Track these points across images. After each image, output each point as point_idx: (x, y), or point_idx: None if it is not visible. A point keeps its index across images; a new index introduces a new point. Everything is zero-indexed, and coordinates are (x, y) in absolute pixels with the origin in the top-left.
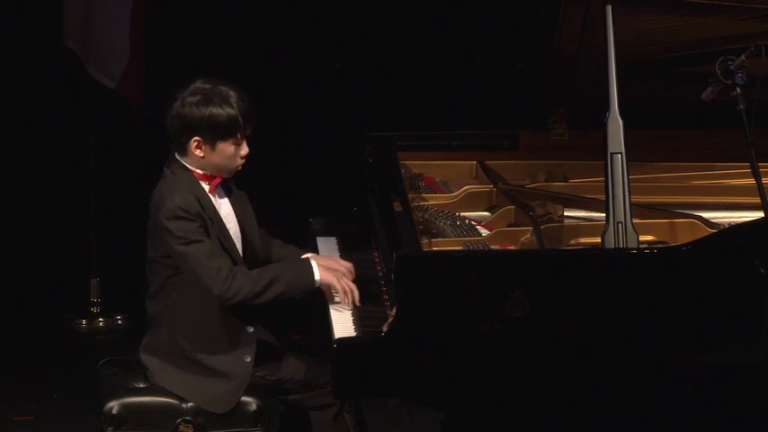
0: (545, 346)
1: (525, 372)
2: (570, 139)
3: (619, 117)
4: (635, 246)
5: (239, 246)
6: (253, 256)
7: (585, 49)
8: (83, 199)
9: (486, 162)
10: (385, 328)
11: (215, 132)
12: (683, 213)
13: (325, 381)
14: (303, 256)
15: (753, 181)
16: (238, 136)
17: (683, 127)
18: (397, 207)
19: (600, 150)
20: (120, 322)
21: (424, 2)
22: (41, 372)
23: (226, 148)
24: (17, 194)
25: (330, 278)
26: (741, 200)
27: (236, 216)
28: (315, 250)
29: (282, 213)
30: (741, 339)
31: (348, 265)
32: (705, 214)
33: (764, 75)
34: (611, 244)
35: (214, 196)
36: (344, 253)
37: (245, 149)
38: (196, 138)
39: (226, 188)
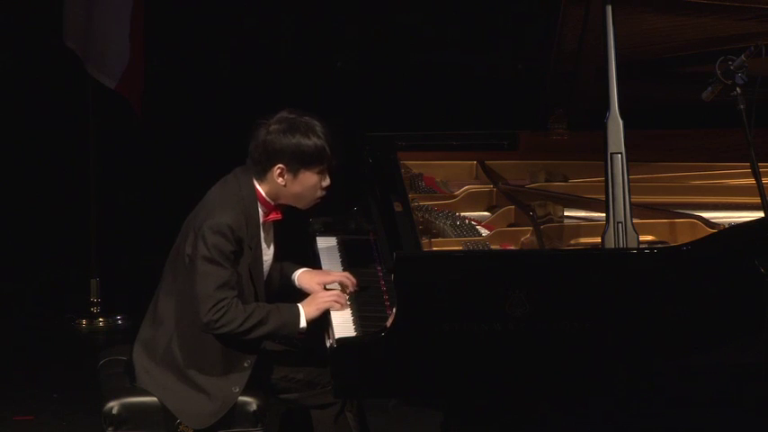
0: (545, 346)
1: (525, 372)
2: (570, 139)
3: (619, 117)
4: (635, 246)
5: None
6: (270, 287)
7: (585, 49)
8: (83, 199)
9: (486, 162)
10: (385, 327)
11: (300, 160)
12: (683, 213)
13: (326, 380)
14: (295, 273)
15: (753, 181)
16: (323, 165)
17: (683, 127)
18: (397, 207)
19: (600, 150)
20: (120, 322)
21: (425, 2)
22: (41, 372)
23: (309, 177)
24: (17, 194)
25: (314, 312)
26: (741, 200)
27: (275, 251)
28: (314, 250)
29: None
30: (741, 339)
31: (340, 274)
32: (705, 214)
33: (764, 75)
34: (611, 244)
35: (264, 225)
36: (344, 253)
37: (327, 180)
38: (280, 165)
39: (277, 229)
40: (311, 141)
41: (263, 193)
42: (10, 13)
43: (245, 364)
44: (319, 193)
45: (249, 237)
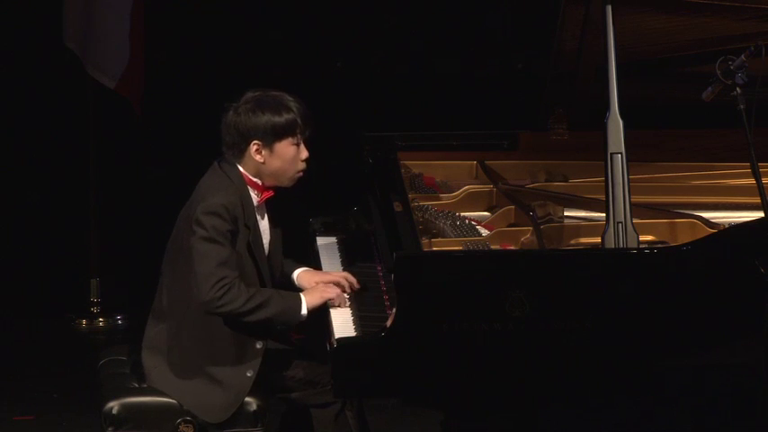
0: (545, 346)
1: (525, 372)
2: (570, 139)
3: (619, 117)
4: (635, 246)
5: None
6: (270, 272)
7: (585, 49)
8: (83, 199)
9: (486, 162)
10: (385, 327)
11: (273, 133)
12: (683, 213)
13: (327, 379)
14: (296, 272)
15: (753, 181)
16: (297, 135)
17: (683, 127)
18: (397, 207)
19: (600, 150)
20: (120, 322)
21: (425, 2)
22: (41, 372)
23: (285, 149)
24: (17, 194)
25: (316, 301)
26: (741, 200)
27: (270, 235)
28: (314, 250)
29: (283, 213)
30: (741, 339)
31: (340, 275)
32: (705, 214)
33: (764, 75)
34: (611, 244)
35: (258, 207)
36: (344, 253)
37: (304, 152)
38: (255, 142)
39: (269, 207)
40: (281, 117)
41: (249, 175)
42: (10, 13)
43: (258, 346)
44: (300, 166)
45: (246, 216)
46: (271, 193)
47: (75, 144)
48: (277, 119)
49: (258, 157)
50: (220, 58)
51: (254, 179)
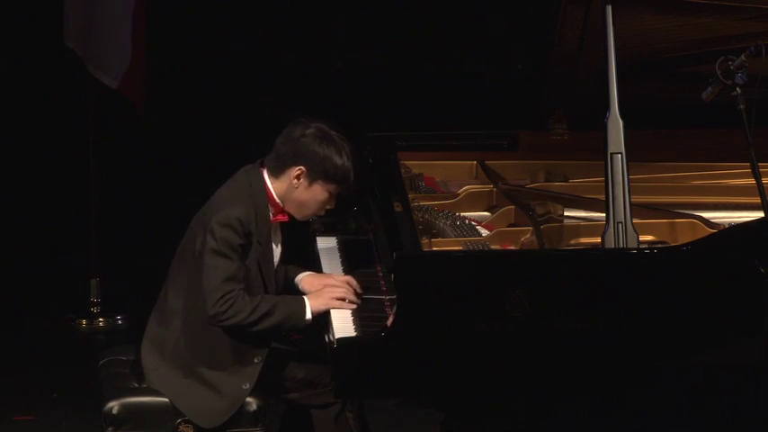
0: (545, 346)
1: (525, 372)
2: (570, 139)
3: (619, 117)
4: (635, 246)
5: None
6: (275, 283)
7: (585, 49)
8: (83, 199)
9: (486, 162)
10: (385, 327)
11: (322, 171)
12: (683, 213)
13: (327, 380)
14: (298, 276)
15: (753, 181)
16: (338, 186)
17: (683, 127)
18: (397, 207)
19: (600, 150)
20: (120, 322)
21: (425, 2)
22: (41, 372)
23: (320, 192)
24: (17, 194)
25: (321, 306)
26: (741, 200)
27: (282, 252)
28: (314, 251)
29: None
30: (741, 339)
31: (343, 279)
32: (705, 214)
33: (764, 75)
34: (611, 244)
35: (274, 226)
36: (344, 253)
37: (332, 203)
38: (302, 167)
39: (283, 227)
40: (341, 160)
41: (274, 193)
42: (10, 13)
43: (256, 360)
44: (320, 212)
45: (258, 232)
46: (285, 218)
47: (76, 144)
48: (336, 159)
49: (295, 182)
50: (222, 59)
51: (277, 198)
